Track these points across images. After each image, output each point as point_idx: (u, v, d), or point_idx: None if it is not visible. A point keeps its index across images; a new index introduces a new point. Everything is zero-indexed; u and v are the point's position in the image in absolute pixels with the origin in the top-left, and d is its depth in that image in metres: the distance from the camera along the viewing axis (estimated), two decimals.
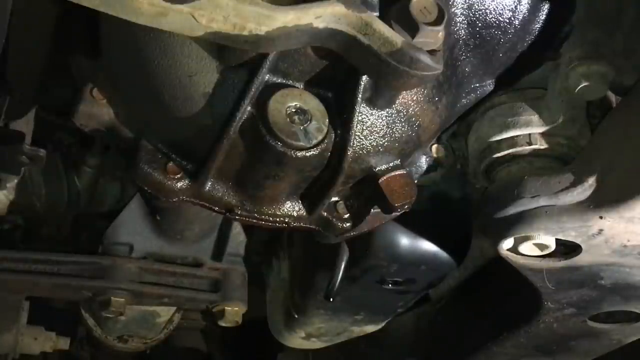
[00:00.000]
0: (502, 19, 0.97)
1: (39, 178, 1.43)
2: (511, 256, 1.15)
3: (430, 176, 1.20)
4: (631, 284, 1.19)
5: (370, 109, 0.91)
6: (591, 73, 1.04)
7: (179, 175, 0.95)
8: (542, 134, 1.13)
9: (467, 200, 1.29)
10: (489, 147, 1.16)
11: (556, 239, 1.09)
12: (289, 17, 0.75)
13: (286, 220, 1.00)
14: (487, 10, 0.96)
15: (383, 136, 0.94)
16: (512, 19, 0.98)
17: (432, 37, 0.82)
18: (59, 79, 1.22)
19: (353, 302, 1.46)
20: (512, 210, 1.09)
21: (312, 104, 0.88)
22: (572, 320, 1.32)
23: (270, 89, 0.87)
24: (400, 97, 0.92)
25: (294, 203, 1.00)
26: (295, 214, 1.00)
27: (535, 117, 1.12)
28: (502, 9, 0.97)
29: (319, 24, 0.77)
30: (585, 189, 1.03)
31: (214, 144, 0.90)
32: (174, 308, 1.69)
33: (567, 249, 1.13)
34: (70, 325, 1.88)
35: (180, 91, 0.89)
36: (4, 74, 1.13)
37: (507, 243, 1.13)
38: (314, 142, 0.88)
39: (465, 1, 0.94)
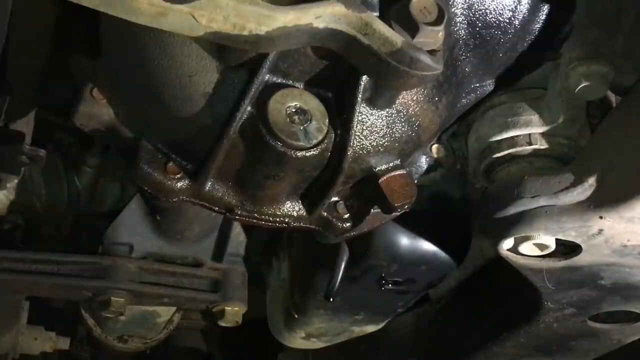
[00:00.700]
0: (502, 19, 0.97)
1: (39, 178, 1.42)
2: (511, 256, 1.15)
3: (430, 176, 1.20)
4: (631, 284, 1.19)
5: (370, 109, 0.91)
6: (591, 73, 1.04)
7: (179, 175, 0.95)
8: (542, 134, 1.13)
9: (467, 200, 1.29)
10: (489, 147, 1.16)
11: (556, 239, 1.09)
12: (289, 17, 0.75)
13: (286, 220, 1.00)
14: (487, 10, 0.96)
15: (383, 136, 0.94)
16: (512, 19, 0.98)
17: (432, 37, 0.82)
18: (59, 79, 1.22)
19: (353, 302, 1.46)
20: (512, 210, 1.09)
21: (312, 104, 0.88)
22: (572, 320, 1.32)
23: (270, 89, 0.87)
24: (400, 97, 0.92)
25: (294, 203, 1.00)
26: (295, 214, 1.00)
27: (535, 117, 1.12)
28: (502, 9, 0.97)
29: (319, 24, 0.77)
30: (585, 189, 1.03)
31: (214, 144, 0.90)
32: (174, 308, 1.69)
33: (567, 249, 1.13)
34: (70, 325, 1.88)
35: (180, 91, 0.89)
36: (4, 74, 1.13)
37: (507, 243, 1.13)
38: (314, 142, 0.88)
39: (465, 1, 0.94)
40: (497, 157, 1.16)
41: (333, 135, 0.90)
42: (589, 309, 1.29)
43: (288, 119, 0.86)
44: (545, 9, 1.01)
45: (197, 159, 0.94)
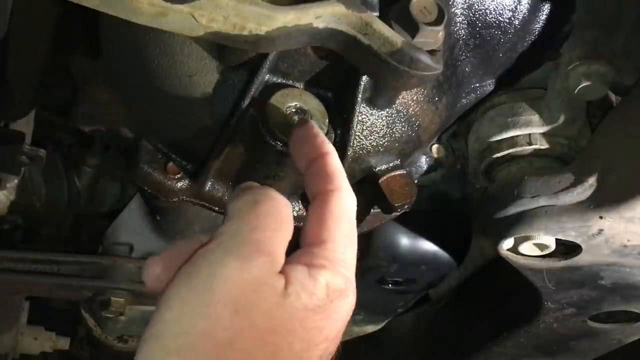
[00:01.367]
0: (502, 19, 0.97)
1: (39, 178, 1.42)
2: (511, 256, 1.15)
3: (430, 176, 1.20)
4: (631, 284, 1.19)
5: (370, 109, 0.91)
6: (591, 73, 1.04)
7: (179, 175, 0.95)
8: (542, 134, 1.13)
9: (467, 200, 1.29)
10: (489, 147, 1.16)
11: (556, 239, 1.09)
12: (289, 17, 0.75)
13: None
14: (487, 10, 0.96)
15: (383, 136, 0.94)
16: (512, 19, 0.98)
17: (432, 37, 0.82)
18: (59, 79, 1.22)
19: None
20: (512, 210, 1.09)
21: (312, 104, 0.88)
22: (572, 320, 1.32)
23: (270, 89, 0.87)
24: (400, 97, 0.92)
25: (294, 203, 1.00)
26: (295, 214, 1.00)
27: (535, 117, 1.12)
28: (502, 9, 0.97)
29: (319, 24, 0.77)
30: (585, 189, 1.04)
31: (214, 144, 0.90)
32: None
33: (567, 249, 1.13)
34: (70, 325, 1.88)
35: (180, 91, 0.89)
36: (4, 74, 1.13)
37: (507, 243, 1.13)
38: None
39: (465, 1, 0.94)
40: (497, 157, 1.16)
41: (333, 135, 0.90)
42: (589, 309, 1.29)
43: (288, 119, 0.86)
44: (545, 8, 1.01)
45: (197, 159, 0.94)
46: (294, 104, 0.87)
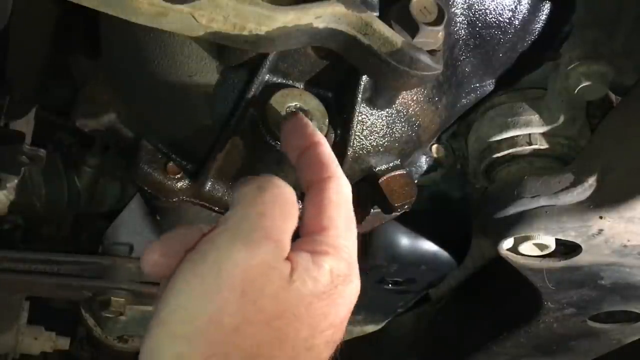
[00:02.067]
0: (502, 19, 0.97)
1: (39, 178, 1.42)
2: (511, 256, 1.15)
3: (430, 176, 1.20)
4: (631, 284, 1.19)
5: (370, 109, 0.91)
6: (591, 73, 1.04)
7: (179, 175, 0.95)
8: (542, 134, 1.13)
9: (467, 200, 1.29)
10: (489, 147, 1.16)
11: (556, 239, 1.09)
12: (289, 17, 0.75)
13: None
14: (487, 10, 0.96)
15: (383, 136, 0.94)
16: (512, 19, 0.98)
17: (432, 37, 0.82)
18: (59, 79, 1.22)
19: None
20: (512, 210, 1.09)
21: (312, 104, 0.88)
22: (572, 320, 1.32)
23: (270, 89, 0.87)
24: (400, 97, 0.92)
25: None
26: None
27: (535, 117, 1.12)
28: (502, 9, 0.97)
29: (319, 24, 0.77)
30: (585, 189, 1.04)
31: (214, 144, 0.90)
32: None
33: (567, 249, 1.13)
34: (70, 325, 1.88)
35: (180, 91, 0.89)
36: (4, 74, 1.13)
37: (507, 243, 1.13)
38: None
39: (465, 1, 0.94)
40: (497, 157, 1.16)
41: (333, 135, 0.90)
42: (589, 309, 1.29)
43: None
44: (545, 8, 1.01)
45: (197, 159, 0.94)
46: (294, 104, 0.87)
